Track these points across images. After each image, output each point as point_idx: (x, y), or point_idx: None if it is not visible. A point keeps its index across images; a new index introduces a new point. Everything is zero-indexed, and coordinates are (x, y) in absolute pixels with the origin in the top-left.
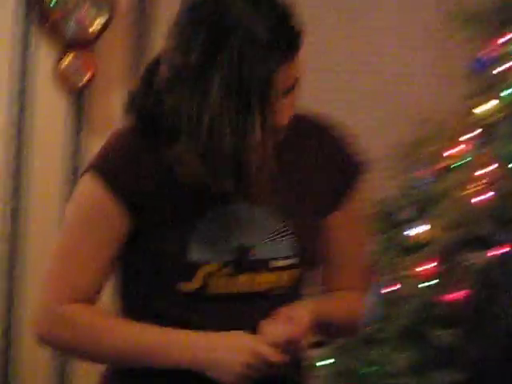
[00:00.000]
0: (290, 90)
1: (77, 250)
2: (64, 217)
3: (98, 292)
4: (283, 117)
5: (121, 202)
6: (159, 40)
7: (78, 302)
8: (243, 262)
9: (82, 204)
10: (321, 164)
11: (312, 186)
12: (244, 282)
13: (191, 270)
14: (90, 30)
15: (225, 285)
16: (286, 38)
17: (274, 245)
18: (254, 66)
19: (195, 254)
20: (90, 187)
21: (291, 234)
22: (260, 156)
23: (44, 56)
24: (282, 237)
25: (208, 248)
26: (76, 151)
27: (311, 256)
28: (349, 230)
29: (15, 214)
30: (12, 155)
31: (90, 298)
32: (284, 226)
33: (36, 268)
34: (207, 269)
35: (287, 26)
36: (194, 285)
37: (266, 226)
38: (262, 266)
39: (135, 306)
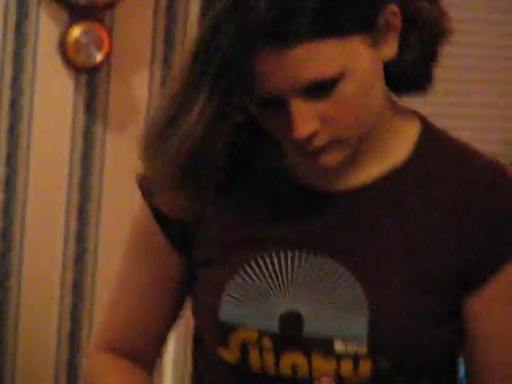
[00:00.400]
0: (305, 93)
1: (124, 286)
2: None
3: (150, 347)
4: (293, 129)
5: (164, 230)
6: (192, 7)
7: (117, 351)
8: (290, 337)
9: (132, 226)
10: (461, 222)
11: (433, 249)
12: (294, 364)
13: (223, 332)
14: None
15: (269, 363)
16: (272, 18)
17: (338, 320)
18: (218, 39)
19: (227, 311)
20: (138, 206)
21: (368, 309)
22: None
23: (46, 27)
24: (354, 311)
25: (243, 307)
26: (87, 149)
27: (393, 348)
28: (503, 320)
29: (7, 233)
30: (4, 155)
31: (141, 354)
32: (360, 297)
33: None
34: (242, 335)
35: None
36: (233, 354)
37: (332, 290)
38: (316, 346)
39: (197, 380)
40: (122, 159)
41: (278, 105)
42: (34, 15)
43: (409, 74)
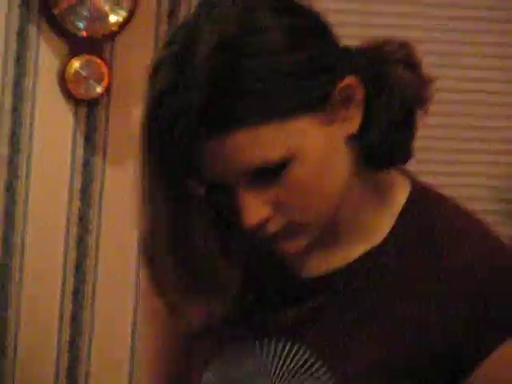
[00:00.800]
0: (252, 180)
1: (145, 345)
2: None
3: None
4: (240, 216)
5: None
6: None
7: None
8: None
9: (141, 292)
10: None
11: (414, 337)
12: None
13: None
14: (105, 27)
15: None
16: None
17: None
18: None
19: None
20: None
21: None
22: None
23: (46, 59)
24: None
25: None
26: (87, 182)
27: None
28: None
29: (7, 265)
30: (2, 187)
31: None
32: None
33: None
34: None
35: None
36: None
37: (304, 382)
38: None
39: None
40: (122, 192)
41: (228, 190)
42: (34, 47)
43: (377, 146)
